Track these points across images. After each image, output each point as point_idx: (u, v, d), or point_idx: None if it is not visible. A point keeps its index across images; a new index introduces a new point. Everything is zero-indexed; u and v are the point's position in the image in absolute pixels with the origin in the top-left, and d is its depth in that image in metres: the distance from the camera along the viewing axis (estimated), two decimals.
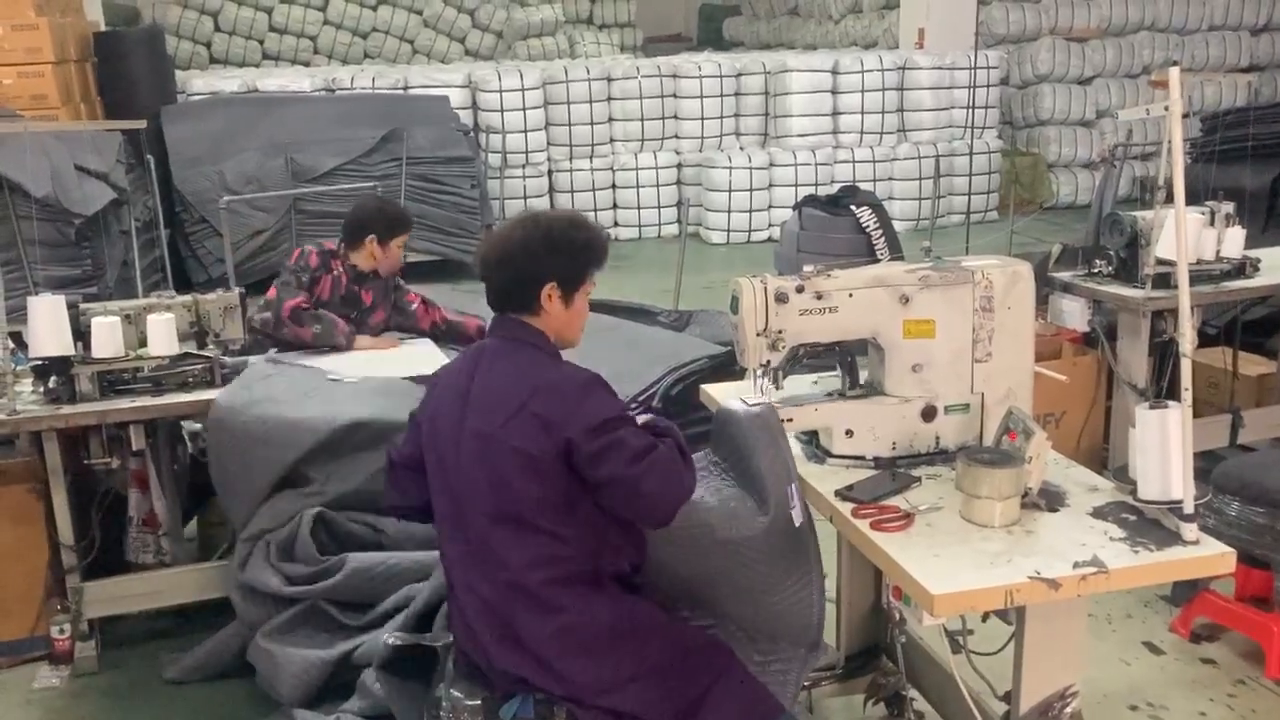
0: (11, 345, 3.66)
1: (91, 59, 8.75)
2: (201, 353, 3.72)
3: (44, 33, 7.71)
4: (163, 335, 3.64)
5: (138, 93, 8.63)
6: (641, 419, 2.40)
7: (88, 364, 3.57)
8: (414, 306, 4.54)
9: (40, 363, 3.55)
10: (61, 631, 3.64)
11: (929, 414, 2.70)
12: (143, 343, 3.67)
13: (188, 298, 3.80)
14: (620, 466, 2.21)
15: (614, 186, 10.87)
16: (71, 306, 3.57)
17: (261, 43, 13.95)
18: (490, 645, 2.27)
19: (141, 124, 4.87)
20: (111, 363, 3.59)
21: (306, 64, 13.58)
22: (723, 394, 3.15)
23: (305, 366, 3.97)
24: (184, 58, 13.21)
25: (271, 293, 4.29)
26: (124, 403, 3.59)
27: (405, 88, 10.19)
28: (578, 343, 2.47)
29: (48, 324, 3.50)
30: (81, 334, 3.58)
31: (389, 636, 2.64)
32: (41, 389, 3.60)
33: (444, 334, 4.53)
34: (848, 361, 2.77)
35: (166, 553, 3.90)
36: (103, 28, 9.82)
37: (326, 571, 3.40)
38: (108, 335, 3.57)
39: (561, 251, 2.36)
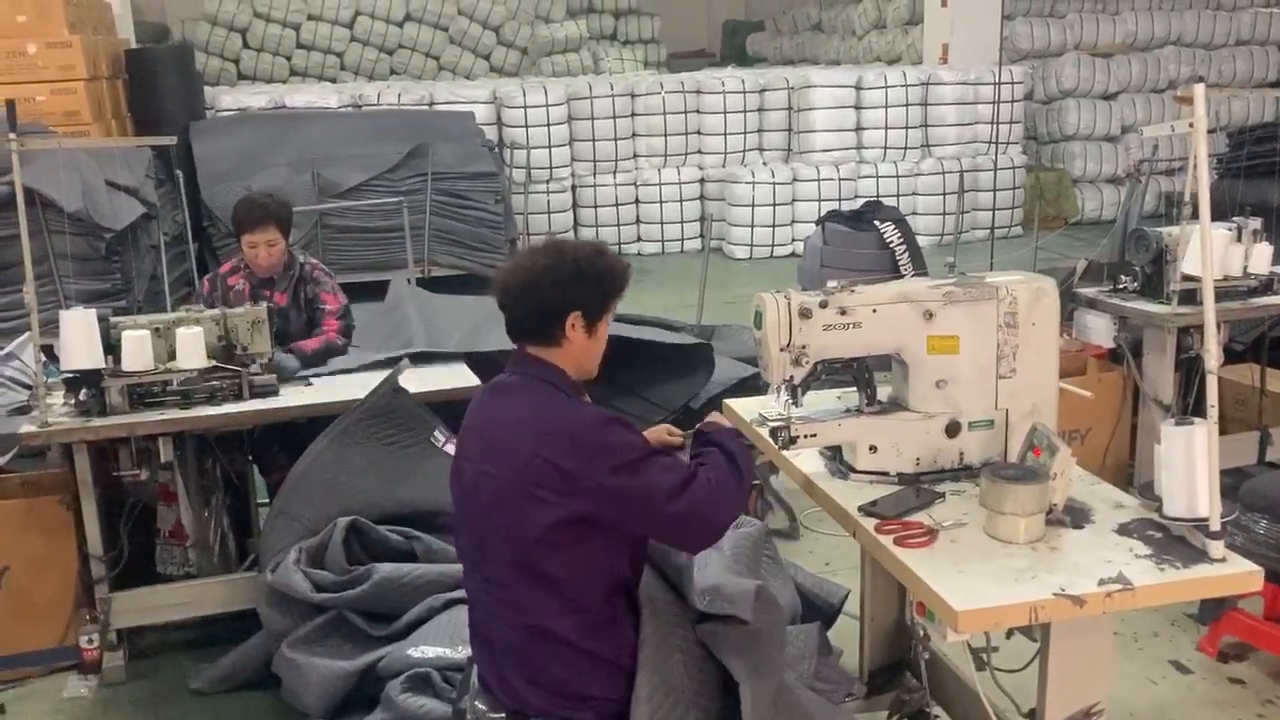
0: (43, 358, 3.71)
1: (122, 76, 8.87)
2: (229, 366, 3.75)
3: (77, 50, 7.83)
4: (191, 349, 3.68)
5: (167, 109, 8.75)
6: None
7: (118, 377, 3.61)
8: (327, 307, 4.35)
9: (71, 375, 3.60)
10: (90, 641, 3.68)
11: (953, 430, 2.69)
12: (171, 356, 3.71)
13: (216, 312, 3.84)
14: (658, 503, 2.19)
15: (637, 202, 10.91)
16: (102, 320, 3.62)
17: (289, 59, 14.10)
18: (519, 686, 2.27)
19: (172, 140, 4.91)
20: (141, 376, 3.64)
21: (333, 80, 13.71)
22: (746, 408, 3.15)
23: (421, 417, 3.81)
24: (213, 74, 13.37)
25: None
26: (153, 415, 3.63)
27: (431, 104, 10.28)
28: (595, 373, 2.42)
29: (79, 337, 3.55)
30: (112, 347, 3.62)
31: (415, 651, 2.65)
32: (72, 401, 3.65)
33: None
34: (865, 377, 2.78)
35: (193, 564, 3.93)
36: (133, 45, 9.95)
37: (353, 581, 3.43)
38: (138, 348, 3.62)
39: (587, 280, 2.31)
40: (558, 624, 2.20)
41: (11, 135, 3.60)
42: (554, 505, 2.15)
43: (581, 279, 2.30)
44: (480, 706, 2.33)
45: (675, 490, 2.19)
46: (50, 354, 3.82)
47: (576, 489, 2.14)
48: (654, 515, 2.21)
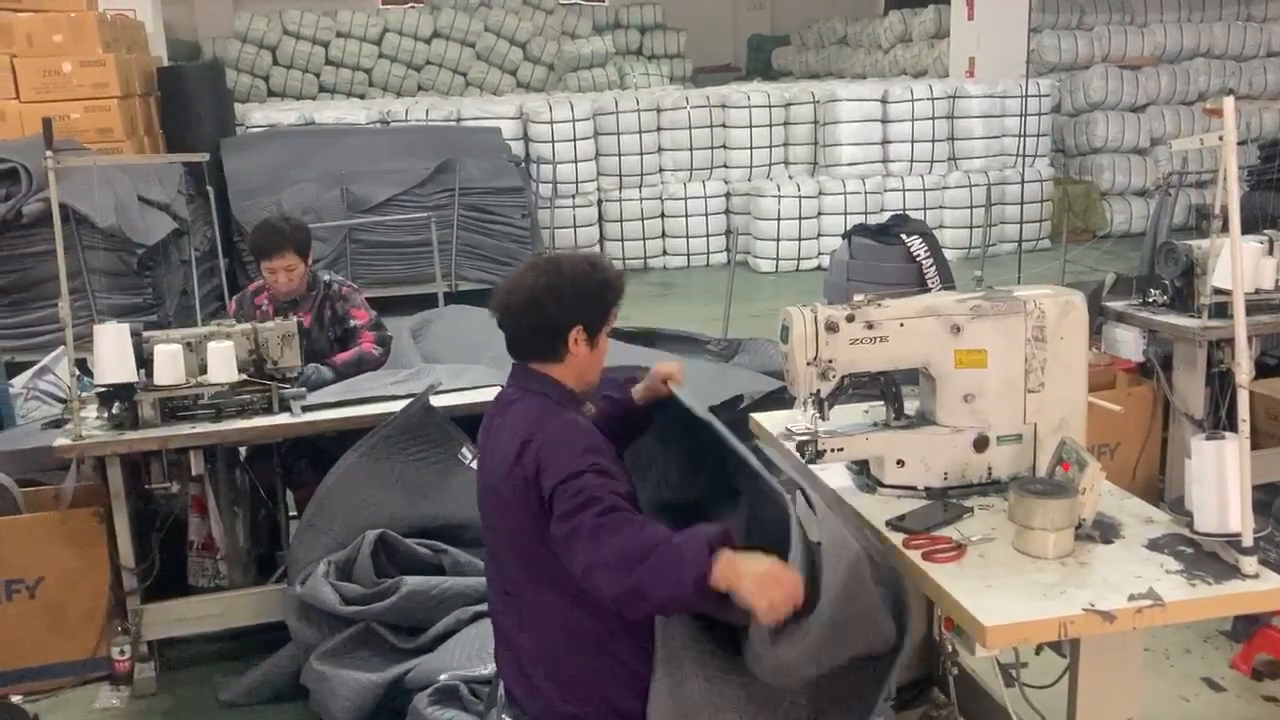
0: (77, 372, 3.76)
1: (155, 93, 9.00)
2: (260, 380, 3.79)
3: (110, 69, 7.95)
4: (222, 363, 3.72)
5: (198, 125, 8.87)
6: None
7: (150, 390, 3.66)
8: (358, 323, 4.39)
9: (105, 389, 3.65)
10: (122, 653, 3.72)
11: (981, 444, 2.69)
12: (203, 370, 3.75)
13: (246, 326, 3.88)
14: (574, 514, 2.07)
15: (663, 216, 10.93)
16: (135, 334, 3.67)
17: (318, 76, 14.23)
18: (551, 694, 2.27)
19: (204, 157, 4.97)
20: (173, 389, 3.68)
21: (362, 96, 13.82)
22: (772, 422, 3.16)
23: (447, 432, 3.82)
24: (243, 91, 13.51)
25: None
26: (184, 428, 3.67)
27: (458, 119, 10.34)
28: (597, 383, 2.44)
29: (113, 351, 3.60)
30: (144, 361, 3.67)
31: (444, 676, 2.67)
32: (105, 415, 3.69)
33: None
34: (892, 392, 2.77)
35: (224, 577, 3.96)
36: (166, 62, 10.09)
37: (382, 593, 3.45)
38: (170, 363, 3.66)
39: (587, 294, 2.33)
40: (577, 624, 2.22)
41: (47, 152, 3.66)
42: (534, 514, 2.17)
43: (581, 294, 2.32)
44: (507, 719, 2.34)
45: (598, 512, 2.04)
46: (83, 368, 3.87)
47: (536, 496, 2.15)
48: (563, 521, 2.08)
